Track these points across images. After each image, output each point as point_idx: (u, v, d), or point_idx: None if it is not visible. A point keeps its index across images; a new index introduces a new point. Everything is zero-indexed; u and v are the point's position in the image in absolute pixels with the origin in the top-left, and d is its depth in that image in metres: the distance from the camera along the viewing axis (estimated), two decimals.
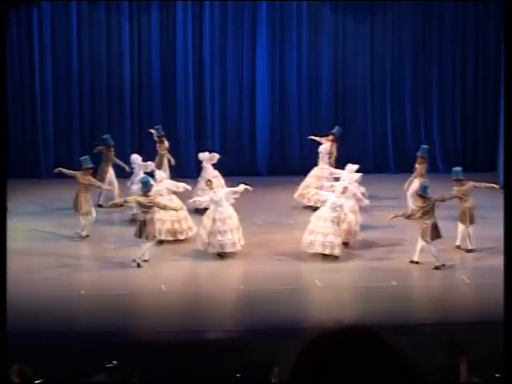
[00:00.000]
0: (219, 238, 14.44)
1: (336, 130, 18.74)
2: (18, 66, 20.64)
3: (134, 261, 14.26)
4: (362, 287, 13.37)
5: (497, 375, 10.28)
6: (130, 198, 15.08)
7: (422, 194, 14.49)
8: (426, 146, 18.12)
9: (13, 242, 14.55)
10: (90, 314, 12.63)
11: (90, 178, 16.38)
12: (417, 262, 14.28)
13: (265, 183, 18.55)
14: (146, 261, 14.44)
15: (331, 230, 14.37)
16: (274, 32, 21.05)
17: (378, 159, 20.54)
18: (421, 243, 14.18)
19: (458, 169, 15.60)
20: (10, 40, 20.45)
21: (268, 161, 20.96)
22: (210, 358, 10.86)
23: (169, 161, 18.67)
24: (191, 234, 15.61)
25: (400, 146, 21.58)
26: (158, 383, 10.01)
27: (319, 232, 14.41)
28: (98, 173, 17.64)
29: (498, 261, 13.78)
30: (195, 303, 12.88)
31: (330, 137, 18.57)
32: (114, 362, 10.30)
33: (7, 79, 20.31)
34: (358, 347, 1.81)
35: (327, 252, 14.36)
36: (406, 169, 19.26)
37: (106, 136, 18.64)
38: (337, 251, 14.39)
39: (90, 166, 16.55)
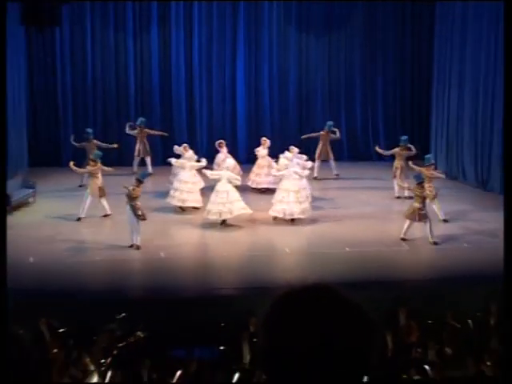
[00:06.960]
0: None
1: (328, 125, 18.76)
2: (43, 78, 20.53)
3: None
4: (321, 253, 13.33)
5: (429, 321, 10.34)
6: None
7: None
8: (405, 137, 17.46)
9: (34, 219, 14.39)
10: (102, 277, 12.46)
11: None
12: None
13: (244, 170, 18.51)
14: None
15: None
16: (250, 48, 21.24)
17: (334, 152, 20.49)
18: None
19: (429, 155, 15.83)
20: (37, 55, 20.42)
21: (247, 151, 20.92)
22: (200, 310, 10.79)
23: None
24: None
25: (352, 141, 21.69)
26: (157, 331, 9.93)
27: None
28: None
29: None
30: (172, 268, 12.73)
31: (323, 132, 18.67)
32: (123, 314, 10.22)
33: (37, 87, 20.32)
34: (319, 301, 1.76)
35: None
36: (357, 159, 20.39)
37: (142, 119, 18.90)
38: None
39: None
